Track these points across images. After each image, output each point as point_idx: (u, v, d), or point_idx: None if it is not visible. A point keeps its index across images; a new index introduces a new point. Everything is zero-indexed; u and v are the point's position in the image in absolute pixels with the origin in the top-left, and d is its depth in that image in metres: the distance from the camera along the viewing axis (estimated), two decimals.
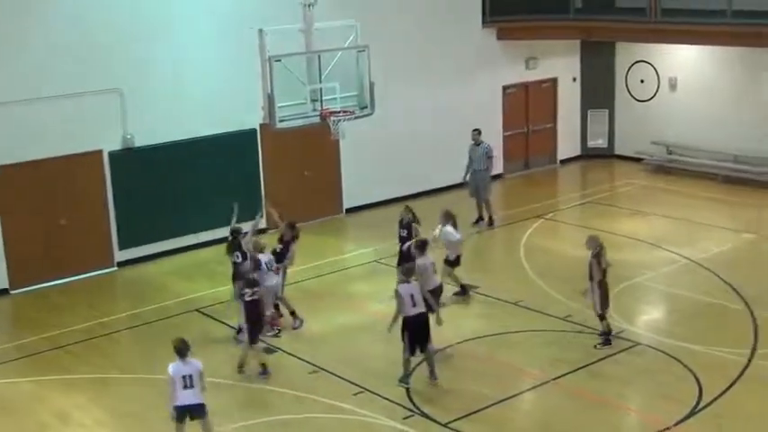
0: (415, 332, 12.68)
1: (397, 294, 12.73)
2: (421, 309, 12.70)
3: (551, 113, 25.41)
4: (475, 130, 20.10)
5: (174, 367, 10.81)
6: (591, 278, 13.73)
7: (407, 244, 15.19)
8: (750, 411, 11.92)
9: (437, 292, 14.15)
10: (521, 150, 24.99)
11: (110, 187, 18.27)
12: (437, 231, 15.71)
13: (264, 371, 13.43)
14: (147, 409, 12.50)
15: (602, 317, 13.91)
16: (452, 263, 15.76)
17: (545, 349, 13.99)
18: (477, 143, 20.02)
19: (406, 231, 15.68)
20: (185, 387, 10.72)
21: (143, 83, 18.29)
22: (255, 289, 13.39)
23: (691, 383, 12.69)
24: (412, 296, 12.66)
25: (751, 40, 20.55)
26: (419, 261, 13.89)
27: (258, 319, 13.43)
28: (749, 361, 13.29)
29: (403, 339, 12.71)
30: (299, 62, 14.95)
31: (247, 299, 13.30)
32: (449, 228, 15.68)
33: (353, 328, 15.16)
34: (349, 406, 12.50)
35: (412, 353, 12.74)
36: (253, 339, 13.37)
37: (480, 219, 20.30)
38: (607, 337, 13.93)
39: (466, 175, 20.16)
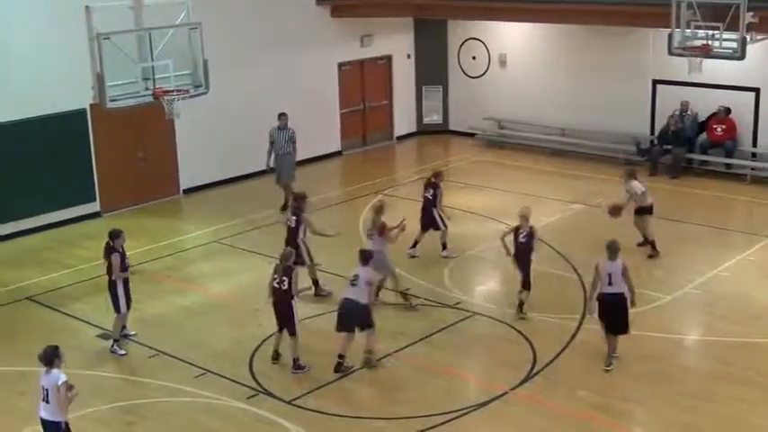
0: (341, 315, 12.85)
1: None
2: (350, 295, 12.70)
3: (387, 90, 25.68)
4: (282, 114, 19.77)
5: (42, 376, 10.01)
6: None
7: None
8: (580, 370, 12.55)
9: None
10: (358, 127, 25.17)
11: None
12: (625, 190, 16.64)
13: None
14: None
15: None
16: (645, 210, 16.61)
17: (385, 322, 14.17)
18: (282, 127, 19.88)
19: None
20: (42, 399, 9.90)
21: None
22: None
23: (526, 349, 13.20)
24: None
25: (578, 17, 21.32)
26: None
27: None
28: (579, 325, 13.92)
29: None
30: (129, 40, 14.59)
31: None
32: (633, 182, 16.51)
33: (194, 309, 14.97)
34: (192, 388, 12.38)
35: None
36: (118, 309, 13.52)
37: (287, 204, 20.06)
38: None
39: (269, 159, 19.75)
